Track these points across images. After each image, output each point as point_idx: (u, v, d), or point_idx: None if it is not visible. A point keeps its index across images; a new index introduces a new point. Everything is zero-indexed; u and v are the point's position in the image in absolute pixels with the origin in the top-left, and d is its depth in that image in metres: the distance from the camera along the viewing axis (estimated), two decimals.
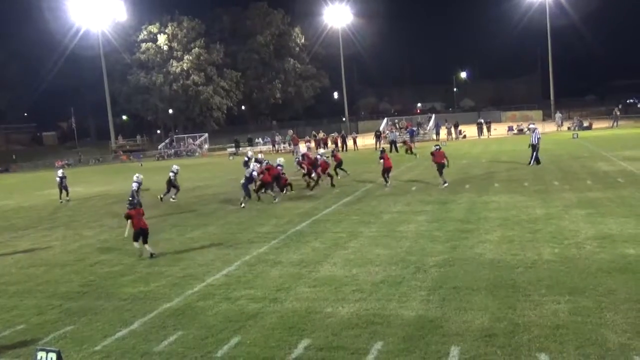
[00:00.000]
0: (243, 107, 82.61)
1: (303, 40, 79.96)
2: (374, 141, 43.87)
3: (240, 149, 51.55)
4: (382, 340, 6.69)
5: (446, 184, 18.63)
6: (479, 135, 45.85)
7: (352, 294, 8.44)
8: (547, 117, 62.11)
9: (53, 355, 5.74)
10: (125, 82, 69.57)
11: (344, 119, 72.84)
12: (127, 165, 49.31)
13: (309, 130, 56.53)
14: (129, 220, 11.93)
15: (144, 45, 69.52)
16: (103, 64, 61.67)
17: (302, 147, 27.49)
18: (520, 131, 46.09)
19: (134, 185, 18.01)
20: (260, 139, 56.07)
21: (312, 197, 18.98)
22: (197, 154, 57.42)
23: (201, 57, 69.87)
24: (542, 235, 11.03)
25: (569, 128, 47.52)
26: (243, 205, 17.82)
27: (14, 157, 61.96)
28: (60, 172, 24.35)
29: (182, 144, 61.40)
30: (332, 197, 18.46)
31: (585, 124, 48.41)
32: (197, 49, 69.74)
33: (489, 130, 46.84)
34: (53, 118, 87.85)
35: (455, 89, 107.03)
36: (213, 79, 71.52)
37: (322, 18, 69.48)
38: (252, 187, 18.65)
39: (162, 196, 20.65)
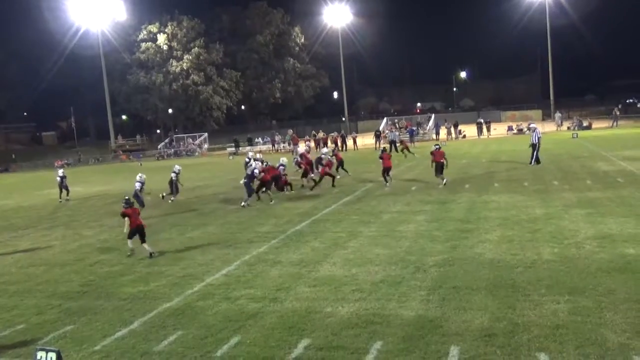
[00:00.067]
0: (243, 107, 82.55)
1: (303, 40, 79.93)
2: (373, 141, 43.88)
3: (240, 148, 51.57)
4: (381, 340, 6.69)
5: (445, 182, 18.67)
6: (478, 135, 45.86)
7: (352, 293, 8.44)
8: (547, 116, 62.11)
9: (53, 355, 5.73)
10: (124, 81, 69.54)
11: (343, 118, 72.80)
12: (127, 165, 49.32)
13: (308, 130, 56.51)
14: (126, 219, 11.90)
15: (143, 45, 69.49)
16: (103, 64, 61.64)
17: (301, 148, 27.41)
18: (520, 131, 46.11)
19: (137, 186, 17.90)
20: (259, 139, 56.02)
21: (312, 196, 18.98)
22: (196, 153, 57.41)
23: (201, 57, 69.84)
24: (542, 235, 11.04)
25: (568, 128, 47.53)
26: (244, 204, 17.81)
27: (13, 156, 61.90)
28: (60, 172, 24.38)
29: (181, 143, 61.37)
30: (332, 197, 18.46)
31: (585, 123, 48.42)
32: (196, 48, 69.71)
33: (488, 130, 46.85)
34: (53, 118, 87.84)
35: (455, 89, 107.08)
36: (213, 79, 71.50)
37: (322, 18, 69.46)
38: (252, 186, 18.61)
39: (164, 195, 20.60)
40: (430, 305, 7.70)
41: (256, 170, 18.40)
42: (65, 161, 54.64)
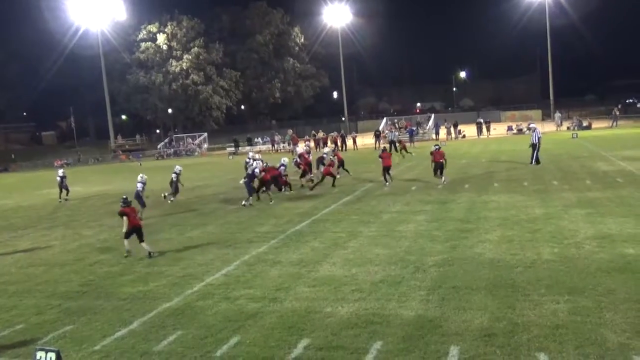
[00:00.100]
0: (242, 107, 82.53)
1: (302, 40, 79.92)
2: (373, 141, 43.88)
3: (240, 148, 51.56)
4: (381, 339, 6.69)
5: (444, 181, 18.67)
6: (478, 135, 45.87)
7: (352, 293, 8.44)
8: (547, 116, 62.11)
9: (52, 355, 5.73)
10: (124, 81, 69.52)
11: (343, 118, 72.80)
12: (127, 165, 49.31)
13: (308, 129, 56.48)
14: (125, 218, 11.87)
15: (143, 45, 69.47)
16: (102, 64, 61.62)
17: (299, 148, 27.39)
18: (520, 131, 46.11)
19: (139, 186, 17.71)
20: (259, 139, 56.03)
21: (312, 196, 18.97)
22: (196, 153, 57.40)
23: (200, 57, 69.83)
24: (542, 235, 11.04)
25: (568, 128, 47.53)
26: (244, 203, 17.80)
27: (13, 156, 61.87)
28: (60, 172, 24.35)
29: (181, 143, 61.37)
30: (332, 197, 18.46)
31: (585, 123, 48.41)
32: (196, 48, 69.69)
33: (488, 130, 46.85)
34: (52, 117, 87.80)
35: (454, 89, 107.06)
36: (212, 79, 71.49)
37: (322, 17, 69.46)
38: (253, 185, 18.60)
39: (165, 194, 20.56)
40: (430, 305, 7.70)
41: (257, 170, 18.39)
42: (65, 161, 54.62)
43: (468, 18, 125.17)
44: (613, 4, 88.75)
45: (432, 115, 57.05)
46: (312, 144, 37.90)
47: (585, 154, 26.10)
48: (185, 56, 69.29)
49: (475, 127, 46.67)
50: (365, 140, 47.20)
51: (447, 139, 44.03)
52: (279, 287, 8.98)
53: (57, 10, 60.21)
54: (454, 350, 6.26)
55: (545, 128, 45.91)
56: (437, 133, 47.32)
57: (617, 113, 49.52)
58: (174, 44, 69.98)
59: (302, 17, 78.02)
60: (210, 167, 38.21)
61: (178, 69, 68.93)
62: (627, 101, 77.40)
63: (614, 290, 7.73)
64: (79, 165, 55.32)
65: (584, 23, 75.17)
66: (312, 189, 20.30)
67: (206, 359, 6.61)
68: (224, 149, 55.39)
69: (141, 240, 11.84)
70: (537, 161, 22.86)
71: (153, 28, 69.72)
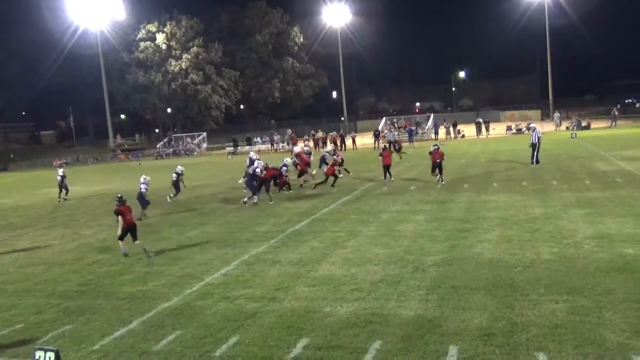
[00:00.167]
0: (242, 106, 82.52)
1: (302, 40, 79.90)
2: (372, 140, 43.89)
3: (239, 148, 51.54)
4: (380, 339, 6.69)
5: (443, 181, 18.68)
6: (477, 135, 45.89)
7: (351, 293, 8.44)
8: (546, 116, 62.09)
9: (51, 355, 5.72)
10: (123, 81, 69.50)
11: (342, 118, 72.80)
12: (126, 164, 49.28)
13: (307, 129, 56.47)
14: (119, 216, 11.85)
15: (142, 44, 69.47)
16: (101, 63, 61.61)
17: (297, 147, 27.35)
18: (519, 131, 46.14)
19: (142, 187, 17.54)
20: (258, 138, 56.05)
21: (311, 196, 18.97)
22: (195, 153, 57.39)
23: (200, 56, 69.83)
24: (541, 235, 11.04)
25: (567, 128, 47.56)
26: (246, 200, 17.79)
27: (12, 156, 61.88)
28: (60, 171, 24.31)
29: (180, 143, 61.35)
30: (331, 197, 18.46)
31: (584, 123, 48.43)
32: (195, 48, 69.69)
33: (487, 129, 46.86)
34: (51, 117, 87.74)
35: (454, 89, 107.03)
36: (212, 78, 71.47)
37: (321, 17, 69.47)
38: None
39: (170, 196, 20.45)
40: (429, 304, 7.70)
41: (258, 170, 18.38)
42: (64, 160, 54.59)
43: (468, 18, 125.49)
44: (613, 4, 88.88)
45: (432, 115, 57.08)
46: (311, 143, 37.92)
47: (584, 154, 26.11)
48: (184, 56, 69.29)
49: (475, 127, 46.70)
50: (365, 140, 47.20)
51: (446, 139, 44.06)
52: (278, 287, 8.98)
53: (57, 10, 60.30)
54: (453, 350, 6.27)
55: (545, 128, 45.91)
56: (436, 133, 47.33)
57: (616, 113, 49.56)
58: (173, 43, 69.97)
59: (302, 16, 78.14)
60: (210, 166, 38.19)
61: (177, 68, 68.92)
62: (626, 101, 77.47)
63: (613, 290, 7.73)
64: (78, 164, 55.29)
65: (584, 23, 75.30)
66: (314, 187, 20.26)
67: (205, 358, 6.61)
68: (223, 148, 55.40)
69: (135, 239, 11.83)
70: (537, 161, 22.88)
71: (152, 27, 69.71)
